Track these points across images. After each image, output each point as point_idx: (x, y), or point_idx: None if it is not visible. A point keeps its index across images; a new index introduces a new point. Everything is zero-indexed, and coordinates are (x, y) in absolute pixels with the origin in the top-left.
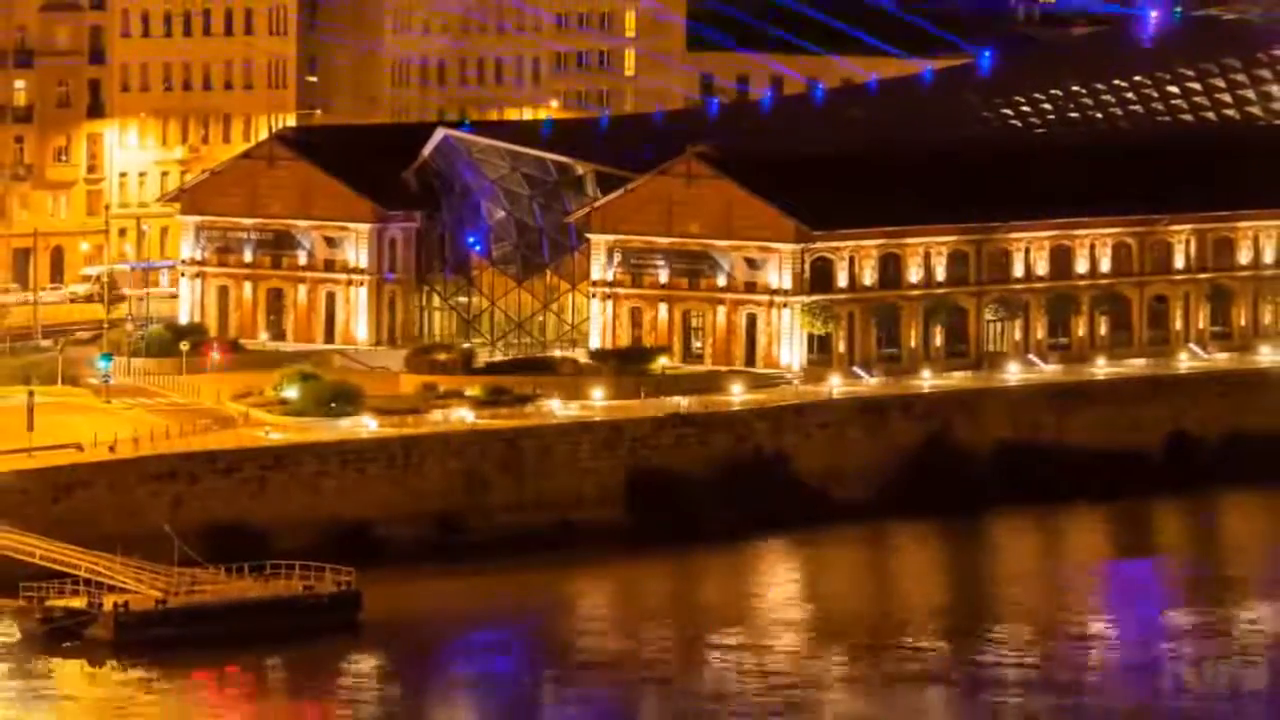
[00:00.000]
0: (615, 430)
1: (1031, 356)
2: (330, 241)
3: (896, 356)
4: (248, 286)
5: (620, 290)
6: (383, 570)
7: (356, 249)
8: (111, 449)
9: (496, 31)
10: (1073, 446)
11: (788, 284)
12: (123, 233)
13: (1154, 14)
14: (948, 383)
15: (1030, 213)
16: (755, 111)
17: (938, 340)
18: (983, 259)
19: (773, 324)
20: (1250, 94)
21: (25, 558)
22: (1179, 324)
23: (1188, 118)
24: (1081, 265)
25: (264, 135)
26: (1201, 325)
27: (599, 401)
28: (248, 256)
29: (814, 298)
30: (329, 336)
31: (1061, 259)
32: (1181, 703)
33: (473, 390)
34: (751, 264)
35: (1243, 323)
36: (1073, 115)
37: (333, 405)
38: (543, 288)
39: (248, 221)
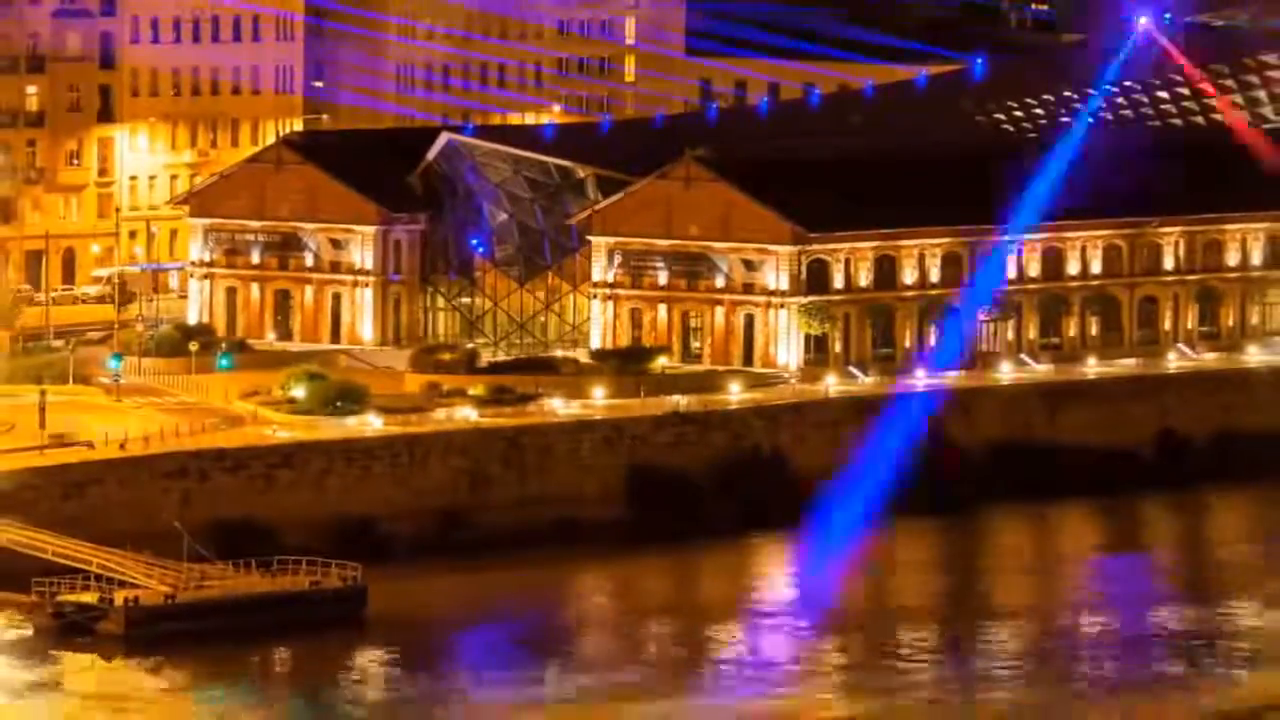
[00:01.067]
0: (616, 429)
1: (1024, 356)
2: (336, 243)
3: (892, 356)
4: (255, 288)
5: (620, 291)
6: (387, 566)
7: (362, 251)
8: (122, 447)
9: (499, 37)
10: (1064, 444)
11: (785, 285)
12: (133, 235)
13: (1144, 20)
14: (942, 382)
15: (1022, 215)
16: (753, 116)
17: (932, 340)
18: (976, 261)
19: (770, 324)
20: (1239, 99)
21: (37, 554)
22: (1168, 324)
23: (1177, 122)
24: (1073, 267)
25: (271, 139)
26: (1190, 325)
27: (600, 400)
28: (255, 258)
29: (810, 299)
30: (335, 337)
31: (1053, 260)
32: (1173, 698)
33: (476, 389)
34: (749, 265)
35: (1230, 323)
36: (1064, 120)
37: (338, 404)
38: (544, 289)
39: (255, 224)
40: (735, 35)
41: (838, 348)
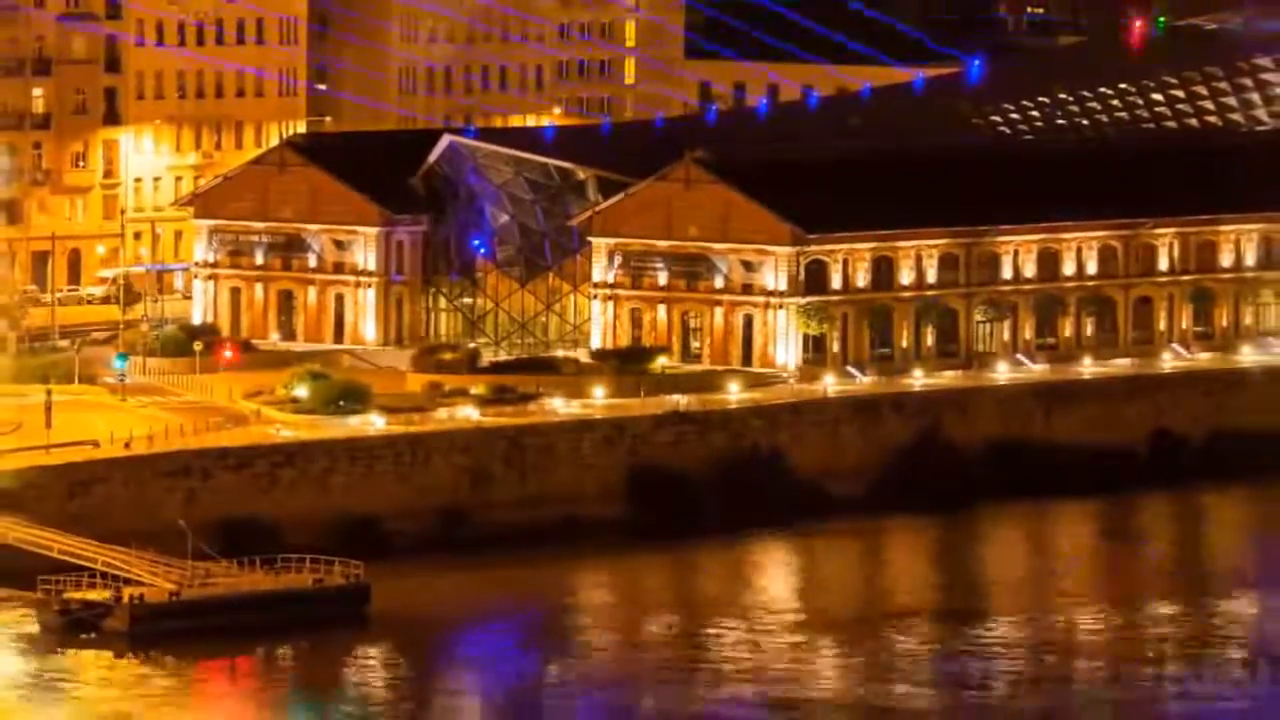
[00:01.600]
0: (616, 428)
1: (1020, 356)
2: (339, 244)
3: (889, 356)
4: (259, 288)
5: (621, 292)
6: (390, 564)
7: (365, 252)
8: (127, 446)
9: (501, 40)
10: (1060, 443)
11: (783, 286)
12: (138, 236)
13: (1138, 23)
14: (939, 382)
15: (1019, 216)
16: (752, 118)
17: (929, 340)
18: (972, 261)
19: (769, 324)
20: (1232, 101)
21: (43, 551)
22: (1163, 325)
23: (1171, 124)
24: (1068, 267)
25: (275, 141)
26: (1185, 326)
27: (600, 400)
28: (259, 259)
29: (809, 299)
30: (338, 337)
31: (1049, 261)
32: (1168, 696)
33: (477, 389)
34: (748, 266)
35: (1224, 323)
36: (1060, 122)
37: (341, 403)
38: (545, 289)
39: (259, 225)
40: (734, 37)
41: (836, 348)
